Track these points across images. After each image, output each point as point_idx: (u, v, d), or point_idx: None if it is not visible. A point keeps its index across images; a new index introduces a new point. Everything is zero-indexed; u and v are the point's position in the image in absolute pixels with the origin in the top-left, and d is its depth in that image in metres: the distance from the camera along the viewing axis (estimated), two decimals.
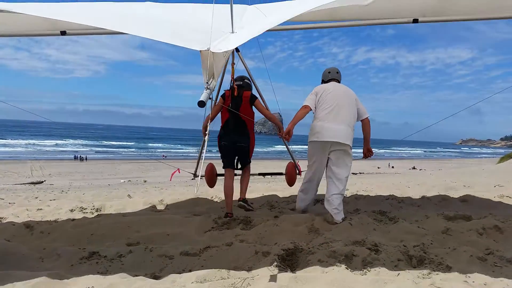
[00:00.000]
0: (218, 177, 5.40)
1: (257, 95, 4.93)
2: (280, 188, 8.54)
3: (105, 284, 2.64)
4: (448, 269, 2.79)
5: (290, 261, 3.11)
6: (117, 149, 63.10)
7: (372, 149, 4.62)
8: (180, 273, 2.96)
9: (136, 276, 2.85)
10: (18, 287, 2.58)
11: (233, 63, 4.95)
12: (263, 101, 5.13)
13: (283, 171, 5.59)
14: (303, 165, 5.21)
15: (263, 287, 2.52)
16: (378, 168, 34.92)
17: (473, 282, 2.54)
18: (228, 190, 4.73)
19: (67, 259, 3.33)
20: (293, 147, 5.83)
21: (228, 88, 4.83)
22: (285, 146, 5.71)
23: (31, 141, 67.24)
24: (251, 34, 3.02)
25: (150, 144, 79.16)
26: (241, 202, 4.89)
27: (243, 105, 4.66)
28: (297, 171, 5.46)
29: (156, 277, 2.83)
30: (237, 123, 4.68)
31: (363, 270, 2.84)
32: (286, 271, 2.88)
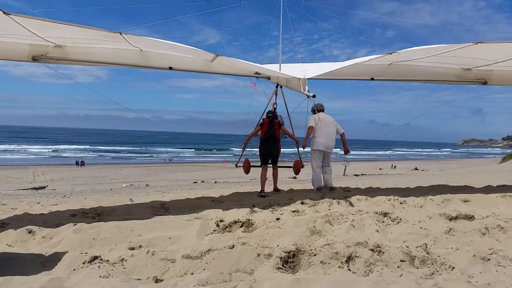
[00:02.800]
0: (252, 167, 7.99)
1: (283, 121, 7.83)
2: (281, 190, 8.53)
3: None
4: (451, 269, 2.78)
5: (292, 263, 3.10)
6: (120, 154, 63.29)
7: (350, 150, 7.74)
8: (182, 276, 2.96)
9: (138, 280, 2.85)
10: None
11: (276, 93, 7.86)
12: (291, 124, 8.12)
13: (291, 165, 8.29)
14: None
15: None
16: (380, 169, 34.90)
17: (476, 282, 2.52)
18: (263, 178, 7.47)
19: (69, 263, 3.33)
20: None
21: (265, 117, 7.61)
22: (295, 148, 8.07)
23: (31, 147, 67.49)
24: (321, 71, 6.11)
25: (155, 149, 79.25)
26: (274, 192, 7.77)
27: (276, 128, 7.45)
28: (301, 165, 8.05)
29: (158, 281, 2.82)
30: (271, 138, 7.37)
31: (365, 271, 2.83)
32: (288, 273, 2.87)
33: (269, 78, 7.70)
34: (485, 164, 36.89)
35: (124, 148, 76.34)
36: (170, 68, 6.66)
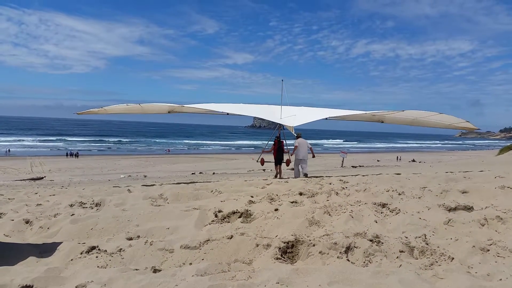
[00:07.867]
0: (265, 163, 13.66)
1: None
2: (278, 182, 8.52)
3: (104, 279, 2.62)
4: (450, 260, 2.77)
5: (291, 253, 3.08)
6: (117, 145, 63.20)
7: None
8: (180, 267, 2.94)
9: (136, 270, 2.83)
10: (17, 282, 2.55)
11: (279, 128, 13.47)
12: (286, 143, 13.52)
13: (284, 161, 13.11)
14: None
15: (264, 279, 2.50)
16: (378, 161, 34.97)
17: (476, 272, 2.51)
18: (276, 170, 13.02)
19: (67, 253, 3.31)
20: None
21: (275, 139, 13.19)
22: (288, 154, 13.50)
23: (28, 138, 67.40)
24: (306, 120, 12.16)
25: (152, 140, 79.16)
26: (281, 178, 11.77)
27: (281, 145, 13.07)
28: (289, 162, 13.03)
29: (156, 271, 2.80)
30: (279, 151, 12.85)
31: (364, 262, 2.82)
32: (287, 263, 2.86)
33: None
34: (482, 156, 36.97)
35: (122, 139, 76.17)
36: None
